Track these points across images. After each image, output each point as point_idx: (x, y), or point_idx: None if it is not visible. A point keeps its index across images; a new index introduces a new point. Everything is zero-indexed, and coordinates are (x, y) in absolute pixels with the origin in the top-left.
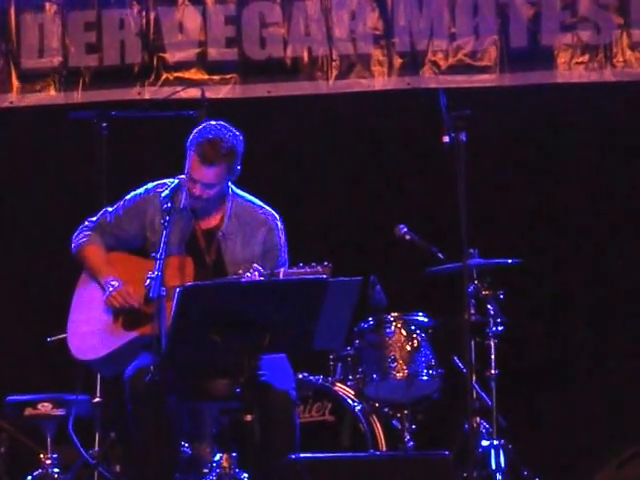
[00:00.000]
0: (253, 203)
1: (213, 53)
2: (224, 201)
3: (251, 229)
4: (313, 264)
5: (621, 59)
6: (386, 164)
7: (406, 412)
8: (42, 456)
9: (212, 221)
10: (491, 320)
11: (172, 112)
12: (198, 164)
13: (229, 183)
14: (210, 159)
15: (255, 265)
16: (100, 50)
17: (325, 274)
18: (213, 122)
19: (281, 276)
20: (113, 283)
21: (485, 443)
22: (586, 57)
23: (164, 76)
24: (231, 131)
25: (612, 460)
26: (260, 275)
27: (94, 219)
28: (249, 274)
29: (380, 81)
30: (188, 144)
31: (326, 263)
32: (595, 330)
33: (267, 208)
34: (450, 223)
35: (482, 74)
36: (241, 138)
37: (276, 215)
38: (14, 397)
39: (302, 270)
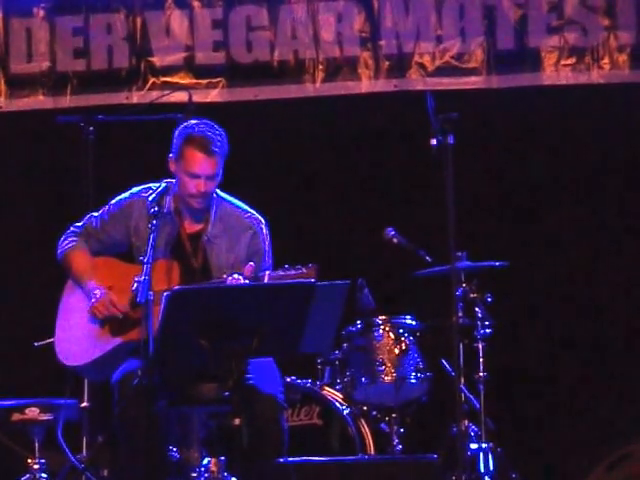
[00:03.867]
0: (238, 207)
1: (200, 57)
2: (209, 204)
3: (236, 233)
4: (298, 266)
5: (608, 61)
6: (373, 167)
7: (394, 415)
8: (30, 461)
9: (197, 225)
10: (479, 323)
11: (159, 116)
12: (199, 156)
13: None
14: (211, 149)
15: (250, 264)
16: (88, 55)
17: (310, 276)
18: (195, 120)
19: (266, 279)
20: (96, 292)
21: (473, 446)
22: (573, 59)
23: (152, 80)
24: (217, 127)
25: (602, 462)
26: (245, 279)
27: (79, 224)
28: (235, 276)
29: (367, 84)
30: (179, 142)
31: (311, 265)
32: (583, 332)
33: (252, 212)
34: (438, 226)
35: (469, 76)
36: (224, 134)
37: (261, 219)
38: (1, 402)
39: (287, 272)
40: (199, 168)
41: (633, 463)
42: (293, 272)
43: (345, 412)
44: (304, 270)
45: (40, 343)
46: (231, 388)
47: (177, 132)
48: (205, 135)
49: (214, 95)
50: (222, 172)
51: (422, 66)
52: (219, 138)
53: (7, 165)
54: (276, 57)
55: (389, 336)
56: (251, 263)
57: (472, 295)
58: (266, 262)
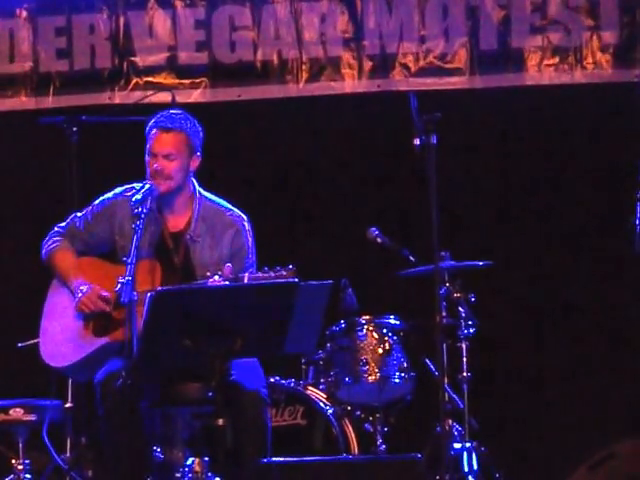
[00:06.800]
0: (221, 205)
1: (183, 57)
2: (191, 202)
3: (219, 231)
4: (277, 268)
5: (591, 61)
6: (357, 167)
7: (378, 415)
8: (14, 461)
9: (179, 223)
10: (462, 322)
11: (142, 116)
12: (155, 133)
13: (195, 184)
14: (167, 126)
15: (228, 265)
16: (70, 55)
17: (289, 278)
18: None
19: (245, 281)
20: (82, 288)
21: (457, 445)
22: (556, 59)
23: (134, 80)
24: (187, 115)
25: (584, 462)
26: (225, 280)
27: (63, 225)
28: (217, 277)
29: (350, 84)
30: (147, 130)
31: (290, 267)
32: (566, 331)
33: (235, 210)
34: (421, 226)
35: (452, 76)
36: (200, 128)
37: (244, 217)
38: None
39: (267, 274)
40: (154, 145)
41: (616, 463)
42: (272, 274)
43: (329, 412)
44: (283, 272)
45: (24, 344)
46: (215, 388)
47: None
48: (164, 115)
49: (197, 95)
50: (190, 162)
51: (405, 66)
52: (182, 121)
53: None
54: (259, 57)
55: (373, 336)
56: (228, 264)
57: (456, 295)
58: (249, 259)
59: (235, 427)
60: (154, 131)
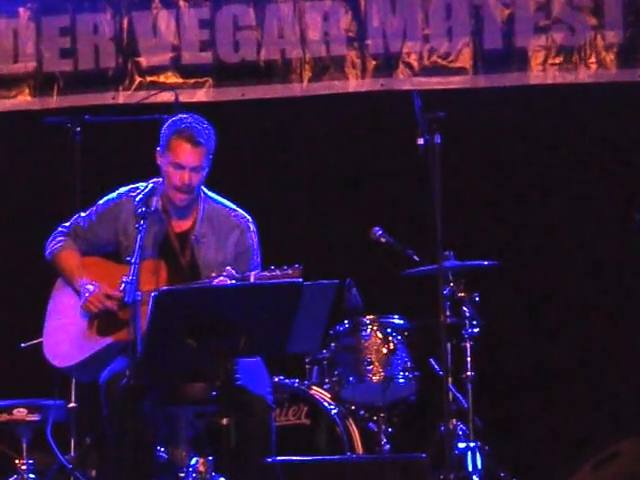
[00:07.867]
0: (225, 206)
1: (187, 57)
2: (196, 203)
3: (224, 232)
4: (284, 267)
5: (595, 60)
6: (361, 166)
7: (382, 415)
8: (17, 461)
9: (185, 224)
10: (467, 322)
11: (146, 116)
12: (184, 146)
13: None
14: (197, 140)
15: (228, 268)
16: (74, 55)
17: (295, 276)
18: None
19: (252, 279)
20: (89, 287)
21: (462, 445)
22: (560, 58)
23: (138, 80)
24: (205, 121)
25: (588, 461)
26: (232, 279)
27: (67, 224)
28: (222, 277)
29: (354, 83)
30: (166, 134)
31: (297, 265)
32: (570, 331)
33: (239, 211)
34: (425, 225)
35: (456, 76)
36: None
37: (249, 217)
38: None
39: (273, 273)
40: (184, 158)
41: (620, 462)
42: (279, 273)
43: (333, 411)
44: (290, 271)
45: (27, 344)
46: (219, 388)
47: (165, 125)
48: (191, 126)
49: (201, 95)
50: (208, 170)
51: (409, 65)
52: (206, 131)
53: None
54: (263, 57)
55: (377, 335)
56: (228, 268)
57: (460, 294)
58: (255, 260)
59: (240, 431)
60: (181, 142)
